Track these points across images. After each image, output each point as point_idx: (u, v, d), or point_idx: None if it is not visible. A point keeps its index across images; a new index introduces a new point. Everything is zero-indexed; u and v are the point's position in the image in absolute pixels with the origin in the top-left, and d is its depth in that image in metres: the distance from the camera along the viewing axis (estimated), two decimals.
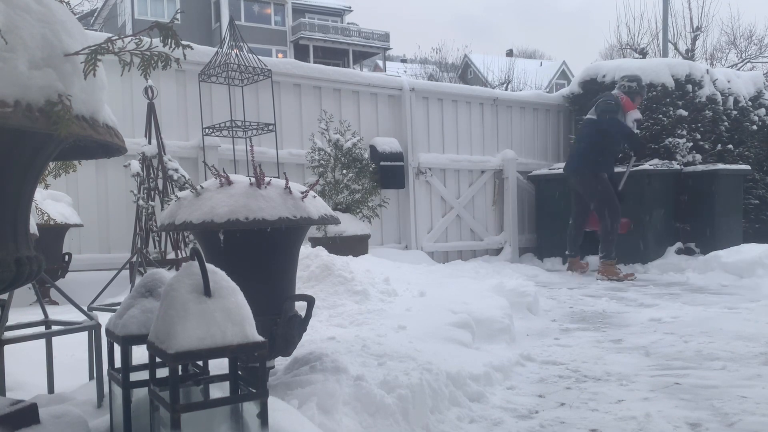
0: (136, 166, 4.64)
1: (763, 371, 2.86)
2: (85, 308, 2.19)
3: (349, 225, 5.58)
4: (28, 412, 1.46)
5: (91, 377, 2.07)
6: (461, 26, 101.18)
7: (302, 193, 2.09)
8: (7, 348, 1.85)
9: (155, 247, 4.87)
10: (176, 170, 4.78)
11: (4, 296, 1.78)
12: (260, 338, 1.43)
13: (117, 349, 1.66)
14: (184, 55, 1.40)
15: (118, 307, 1.73)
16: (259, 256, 2.09)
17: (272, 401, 1.57)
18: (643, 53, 14.98)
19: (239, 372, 1.56)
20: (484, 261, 7.63)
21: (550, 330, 3.97)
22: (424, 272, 4.97)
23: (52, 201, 4.19)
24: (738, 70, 14.26)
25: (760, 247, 5.98)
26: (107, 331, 1.70)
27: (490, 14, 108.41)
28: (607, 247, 6.51)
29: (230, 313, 1.40)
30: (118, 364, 1.67)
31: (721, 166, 7.35)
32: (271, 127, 5.52)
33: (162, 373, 1.47)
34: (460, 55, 35.31)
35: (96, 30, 14.04)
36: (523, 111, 8.51)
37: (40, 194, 4.07)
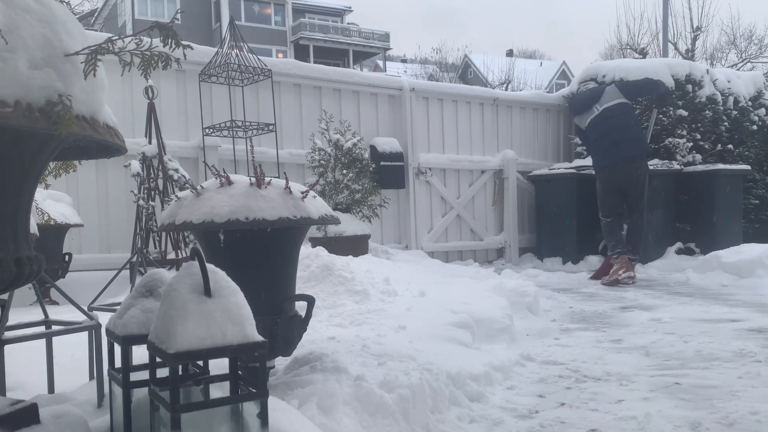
0: (136, 166, 4.64)
1: (763, 371, 2.86)
2: (86, 308, 2.19)
3: (349, 225, 5.58)
4: (28, 412, 1.46)
5: (91, 377, 2.07)
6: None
7: (302, 193, 2.09)
8: (7, 348, 1.84)
9: (155, 247, 4.87)
10: (176, 170, 4.78)
11: (5, 296, 1.78)
12: (260, 338, 1.43)
13: (117, 349, 1.67)
14: (185, 55, 1.40)
15: (118, 307, 1.73)
16: (259, 256, 2.09)
17: (272, 401, 1.57)
18: (643, 53, 14.96)
19: (239, 372, 1.56)
20: (484, 261, 7.63)
21: (550, 330, 3.97)
22: (424, 272, 4.97)
23: (52, 201, 4.19)
24: (738, 70, 14.25)
25: (760, 247, 5.98)
26: (107, 331, 1.70)
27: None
28: (639, 242, 6.18)
29: (230, 313, 1.40)
30: (118, 364, 1.67)
31: (721, 166, 7.35)
32: (271, 127, 5.52)
33: (162, 373, 1.47)
34: (460, 55, 35.39)
35: (96, 30, 14.04)
36: (523, 111, 8.51)
37: (40, 194, 4.06)
